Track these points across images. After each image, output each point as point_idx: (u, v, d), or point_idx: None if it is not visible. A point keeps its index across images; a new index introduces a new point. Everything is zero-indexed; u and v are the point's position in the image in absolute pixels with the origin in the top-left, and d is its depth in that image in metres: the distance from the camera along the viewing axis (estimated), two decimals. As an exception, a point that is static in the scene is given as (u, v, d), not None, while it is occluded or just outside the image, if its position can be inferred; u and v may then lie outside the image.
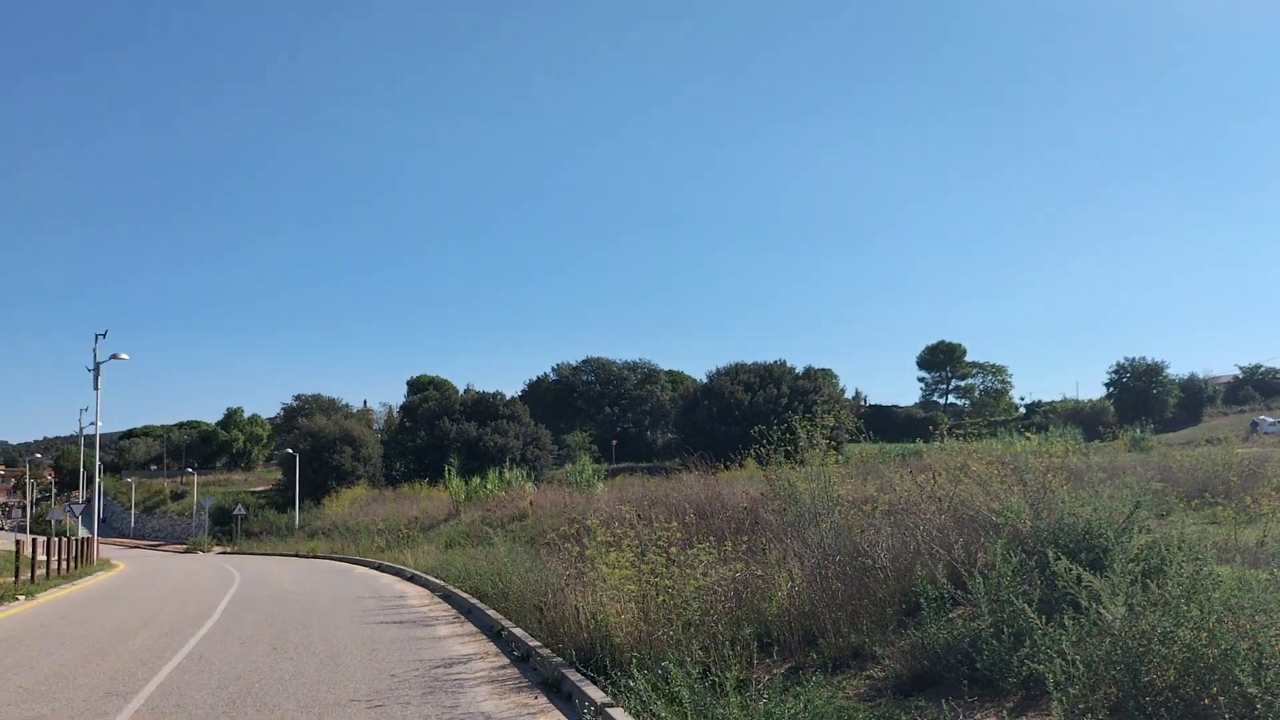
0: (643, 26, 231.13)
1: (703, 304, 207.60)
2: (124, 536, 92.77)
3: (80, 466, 68.56)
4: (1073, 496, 9.33)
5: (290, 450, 72.55)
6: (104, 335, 40.57)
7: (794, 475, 13.98)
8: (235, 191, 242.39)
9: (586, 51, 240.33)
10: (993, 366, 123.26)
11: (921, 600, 8.74)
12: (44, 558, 28.55)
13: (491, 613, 15.16)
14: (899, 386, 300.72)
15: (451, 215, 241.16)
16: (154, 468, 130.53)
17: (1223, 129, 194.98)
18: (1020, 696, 7.39)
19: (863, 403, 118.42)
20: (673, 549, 10.90)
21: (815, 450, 13.49)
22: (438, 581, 21.52)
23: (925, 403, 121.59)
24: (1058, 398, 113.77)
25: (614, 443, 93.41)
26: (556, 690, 9.86)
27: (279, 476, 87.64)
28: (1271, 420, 79.53)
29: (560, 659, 10.65)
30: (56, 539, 35.96)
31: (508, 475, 43.51)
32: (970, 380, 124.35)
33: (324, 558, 41.42)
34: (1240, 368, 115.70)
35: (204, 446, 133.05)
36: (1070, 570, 7.08)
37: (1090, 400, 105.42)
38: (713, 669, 8.77)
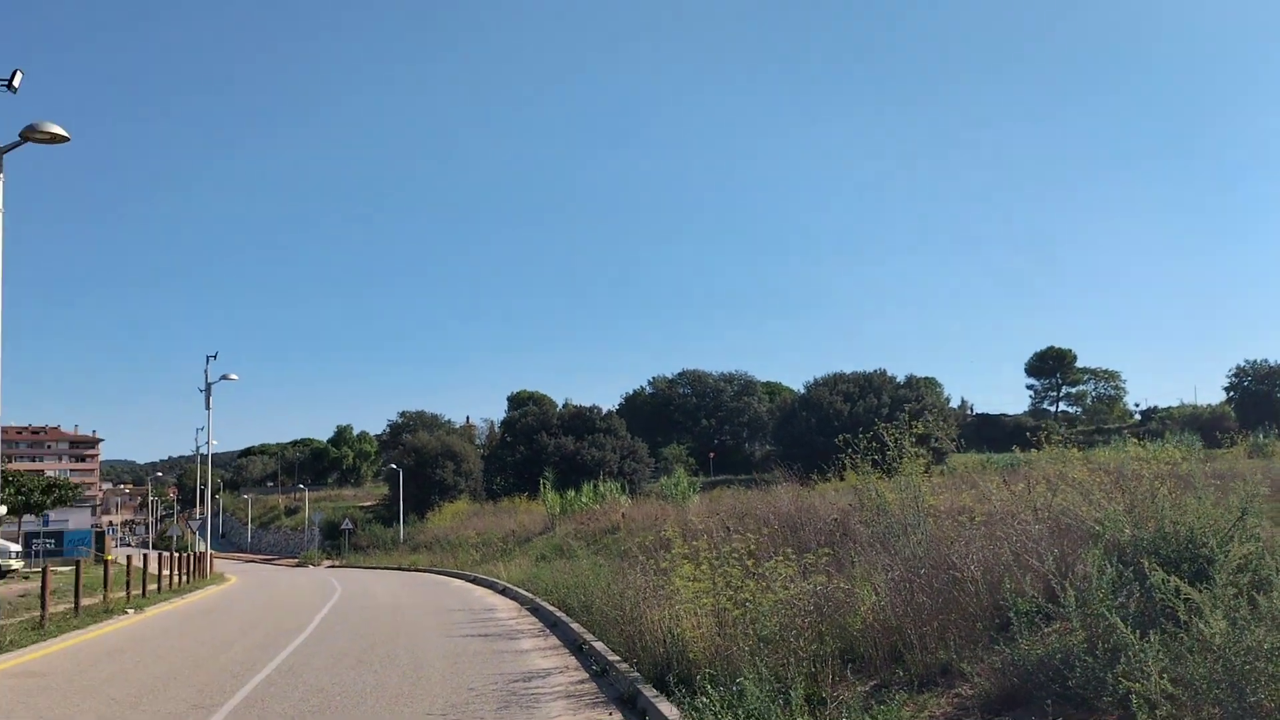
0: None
1: (804, 315, 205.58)
2: (241, 551, 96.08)
3: (207, 484, 71.07)
4: (1174, 504, 8.72)
5: (395, 466, 74.07)
6: (214, 357, 42.16)
7: (883, 485, 13.56)
8: (345, 220, 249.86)
9: (708, 69, 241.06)
10: (1105, 372, 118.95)
11: (1012, 614, 8.28)
12: (163, 572, 29.55)
13: (575, 626, 15.04)
14: (1007, 395, 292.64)
15: (552, 235, 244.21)
16: (270, 484, 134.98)
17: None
18: (1117, 717, 6.90)
19: (969, 412, 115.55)
20: (749, 561, 10.59)
21: (905, 459, 13.03)
22: (527, 594, 21.54)
23: (1035, 411, 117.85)
24: (1175, 403, 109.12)
25: (711, 455, 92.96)
26: (632, 706, 9.64)
27: (385, 492, 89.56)
28: None
29: (637, 674, 10.44)
30: (174, 554, 37.35)
31: (601, 489, 43.50)
32: (1082, 387, 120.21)
33: (423, 570, 42.06)
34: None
35: (316, 463, 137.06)
36: (1167, 582, 6.57)
37: (1209, 405, 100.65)
38: (795, 684, 8.44)
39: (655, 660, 10.51)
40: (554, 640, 15.26)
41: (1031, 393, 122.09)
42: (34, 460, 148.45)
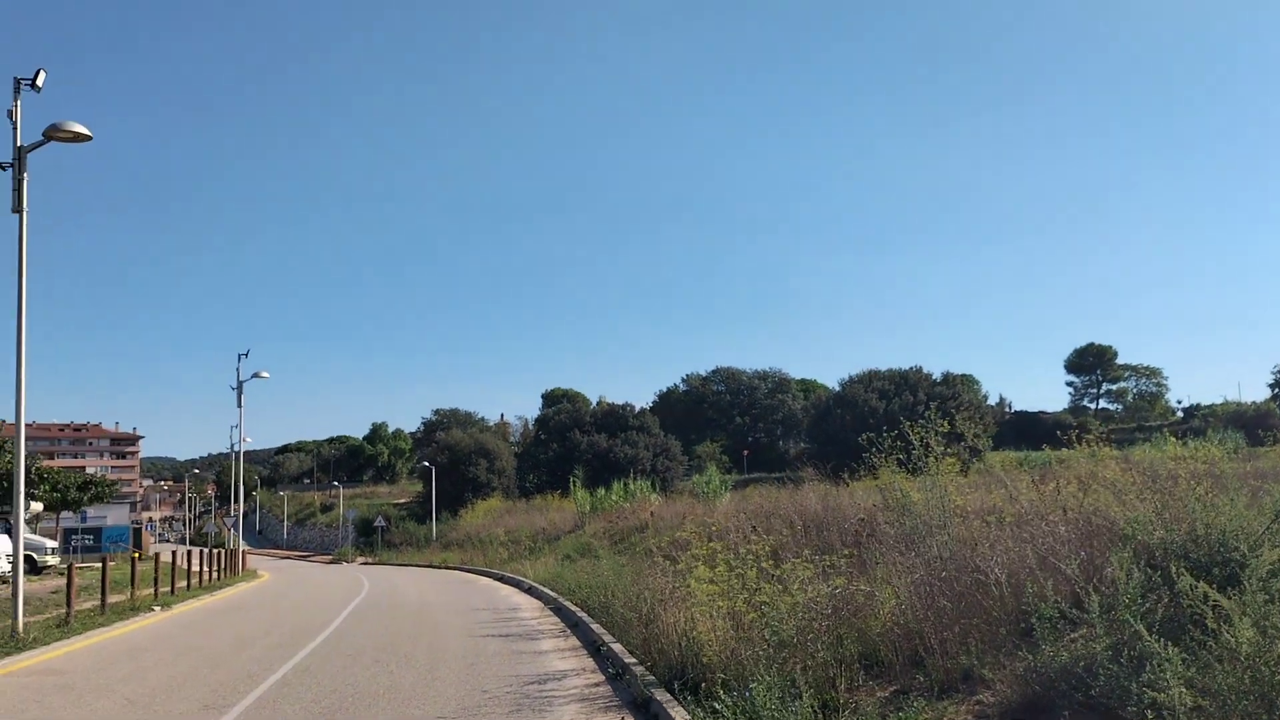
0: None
1: (835, 312, 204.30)
2: (277, 547, 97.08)
3: (235, 481, 71.84)
4: (1206, 505, 8.37)
5: (428, 464, 74.38)
6: (246, 355, 42.47)
7: (908, 485, 13.26)
8: (382, 216, 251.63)
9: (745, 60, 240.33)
10: (1146, 369, 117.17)
11: (1034, 619, 7.99)
12: (197, 568, 29.75)
13: (595, 627, 14.86)
14: (1046, 392, 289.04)
15: (586, 231, 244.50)
16: (306, 481, 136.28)
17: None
18: (1142, 728, 6.60)
19: (1007, 409, 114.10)
20: (766, 563, 10.34)
21: (931, 457, 12.70)
22: (551, 594, 21.41)
23: (1074, 408, 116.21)
24: (1218, 400, 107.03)
25: (745, 453, 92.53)
26: (645, 710, 9.43)
27: (419, 489, 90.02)
28: None
29: (653, 677, 10.23)
30: (209, 551, 37.69)
31: (631, 487, 43.34)
32: (1123, 384, 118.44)
33: (454, 568, 42.11)
34: None
35: (351, 460, 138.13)
36: (1195, 587, 6.27)
37: (1254, 403, 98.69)
38: (804, 691, 8.21)
39: (671, 663, 10.31)
40: (574, 641, 15.10)
41: (1071, 390, 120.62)
42: (75, 457, 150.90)
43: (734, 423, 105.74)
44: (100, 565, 21.37)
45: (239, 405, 42.67)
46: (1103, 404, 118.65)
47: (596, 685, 11.08)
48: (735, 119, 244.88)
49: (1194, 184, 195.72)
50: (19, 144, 16.05)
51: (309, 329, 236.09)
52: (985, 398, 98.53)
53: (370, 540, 70.71)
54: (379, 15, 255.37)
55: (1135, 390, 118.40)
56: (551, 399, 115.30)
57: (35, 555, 32.61)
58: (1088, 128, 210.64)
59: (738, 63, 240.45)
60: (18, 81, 15.94)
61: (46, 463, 67.33)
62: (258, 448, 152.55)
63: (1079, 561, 8.52)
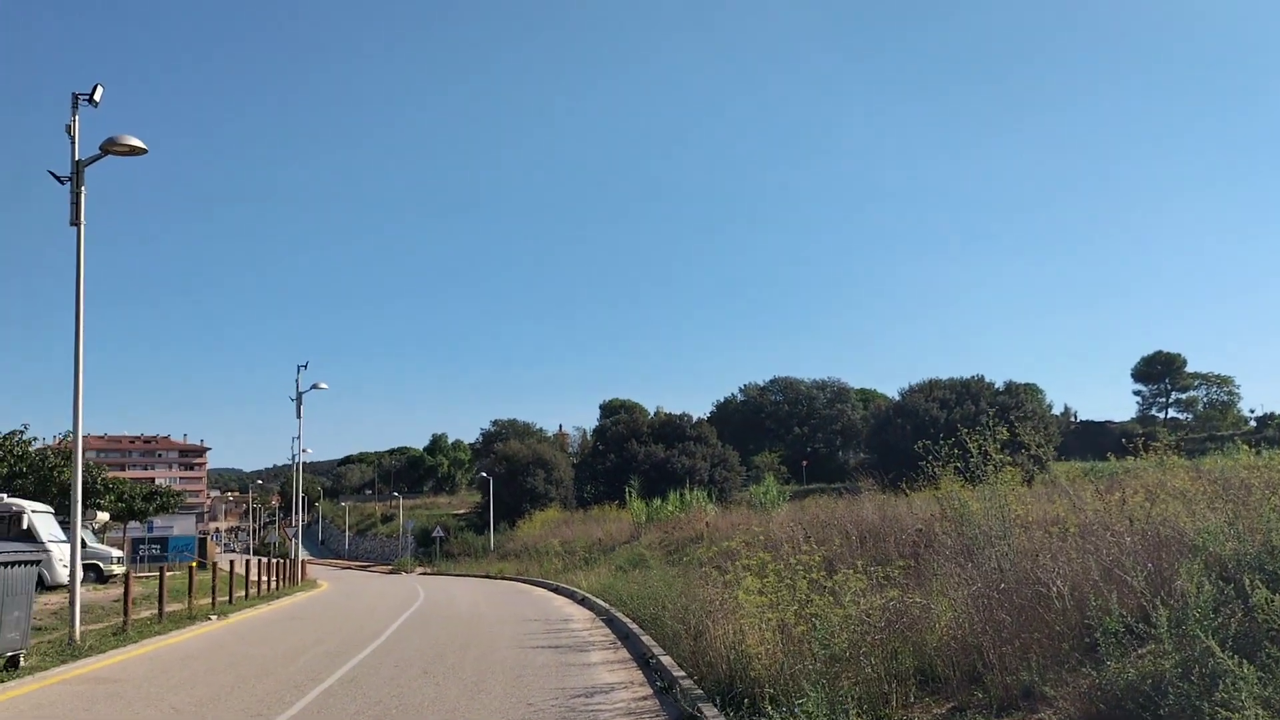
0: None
1: (895, 321, 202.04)
2: (339, 557, 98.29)
3: (295, 491, 72.98)
4: (1284, 514, 7.91)
5: (486, 474, 74.75)
6: (305, 367, 43.03)
7: (966, 494, 12.88)
8: (446, 231, 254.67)
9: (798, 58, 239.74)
10: (1217, 377, 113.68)
11: (1099, 634, 7.60)
12: (257, 577, 30.07)
13: (645, 639, 14.63)
14: (1113, 402, 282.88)
15: (646, 240, 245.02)
16: (367, 492, 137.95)
17: None
18: (1214, 750, 6.19)
19: (1073, 419, 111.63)
20: (819, 574, 10.03)
21: (990, 466, 12.30)
22: (604, 605, 21.22)
23: (1143, 417, 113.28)
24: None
25: (804, 463, 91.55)
26: (691, 725, 9.18)
27: (478, 499, 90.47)
28: None
29: (700, 691, 9.97)
30: (269, 560, 38.18)
31: (688, 497, 43.05)
32: (1192, 393, 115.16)
33: (510, 579, 42.14)
34: None
35: (412, 471, 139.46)
36: (1271, 601, 5.87)
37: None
38: (856, 708, 7.90)
39: (719, 677, 10.05)
40: (624, 653, 14.86)
41: (1139, 399, 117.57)
42: (145, 469, 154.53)
43: (792, 433, 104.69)
44: (168, 574, 21.64)
45: (298, 416, 43.25)
46: (1172, 413, 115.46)
47: (644, 699, 10.84)
48: (796, 126, 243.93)
49: (1264, 186, 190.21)
50: (76, 158, 16.34)
51: (371, 342, 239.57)
52: (1050, 407, 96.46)
53: (429, 550, 71.23)
54: (449, 21, 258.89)
55: (1206, 399, 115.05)
56: (609, 410, 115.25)
57: (101, 564, 33.15)
58: (1154, 131, 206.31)
59: (796, 70, 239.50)
60: (75, 97, 16.22)
61: (116, 474, 68.86)
62: (320, 459, 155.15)
63: (1146, 574, 8.11)
